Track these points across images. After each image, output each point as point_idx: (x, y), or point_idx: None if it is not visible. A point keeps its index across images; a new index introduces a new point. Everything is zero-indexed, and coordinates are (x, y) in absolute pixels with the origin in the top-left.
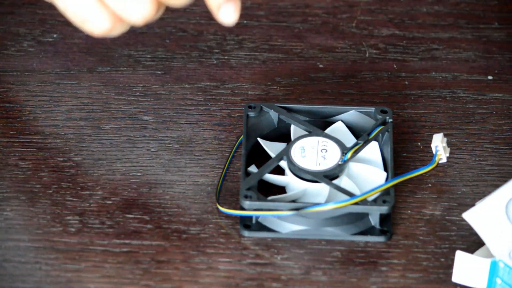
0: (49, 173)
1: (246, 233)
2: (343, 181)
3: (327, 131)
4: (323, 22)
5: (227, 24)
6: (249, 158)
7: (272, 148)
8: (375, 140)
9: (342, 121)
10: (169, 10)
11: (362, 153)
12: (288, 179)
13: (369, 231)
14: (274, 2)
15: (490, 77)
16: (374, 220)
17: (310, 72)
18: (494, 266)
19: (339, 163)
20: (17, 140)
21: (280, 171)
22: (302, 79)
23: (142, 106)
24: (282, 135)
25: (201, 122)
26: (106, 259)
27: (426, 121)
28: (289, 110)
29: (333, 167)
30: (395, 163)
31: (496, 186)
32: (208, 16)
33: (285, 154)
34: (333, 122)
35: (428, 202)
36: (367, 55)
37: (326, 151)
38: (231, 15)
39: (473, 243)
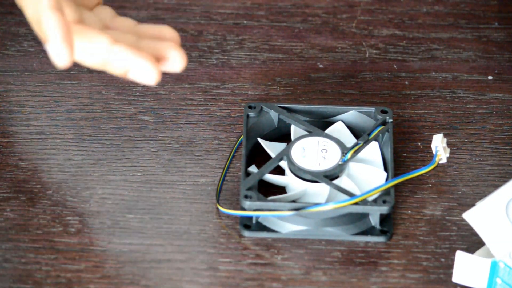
0: (49, 173)
1: (246, 233)
2: (343, 181)
3: (327, 131)
4: (323, 22)
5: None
6: (249, 158)
7: (272, 148)
8: (375, 140)
9: (342, 121)
10: (169, 9)
11: (362, 153)
12: (288, 179)
13: (369, 231)
14: (274, 2)
15: (490, 77)
16: (374, 220)
17: (310, 72)
18: (494, 266)
19: (339, 163)
20: (17, 140)
21: (280, 171)
22: (302, 79)
23: (142, 106)
24: (282, 135)
25: (201, 122)
26: (106, 259)
27: (426, 121)
28: (289, 110)
29: (333, 167)
30: (395, 163)
31: (496, 186)
32: (208, 16)
33: (285, 154)
34: (333, 122)
35: (428, 202)
36: (367, 55)
37: (326, 151)
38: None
39: (473, 243)
